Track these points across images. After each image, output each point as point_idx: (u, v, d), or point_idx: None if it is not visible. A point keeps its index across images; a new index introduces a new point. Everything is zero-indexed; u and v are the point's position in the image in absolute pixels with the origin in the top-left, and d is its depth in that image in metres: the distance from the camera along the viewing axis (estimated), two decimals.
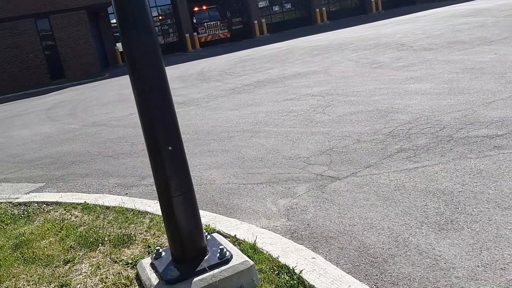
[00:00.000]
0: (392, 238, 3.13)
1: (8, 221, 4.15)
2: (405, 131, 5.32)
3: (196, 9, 30.21)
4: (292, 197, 4.15)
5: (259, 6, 31.46)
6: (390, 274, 2.74)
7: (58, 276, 2.97)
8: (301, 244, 3.21)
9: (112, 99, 13.27)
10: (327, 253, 3.09)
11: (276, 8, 33.29)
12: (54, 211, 4.25)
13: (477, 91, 6.47)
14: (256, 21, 30.33)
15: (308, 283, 2.51)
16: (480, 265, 2.68)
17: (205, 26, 30.02)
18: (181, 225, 2.52)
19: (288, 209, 3.92)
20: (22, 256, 3.35)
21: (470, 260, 2.74)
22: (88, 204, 4.27)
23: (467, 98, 6.20)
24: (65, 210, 4.24)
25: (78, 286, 2.81)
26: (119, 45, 28.73)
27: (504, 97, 5.92)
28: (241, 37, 30.65)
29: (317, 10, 32.26)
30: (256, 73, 13.04)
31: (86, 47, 23.56)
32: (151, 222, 3.67)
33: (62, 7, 22.64)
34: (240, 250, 2.96)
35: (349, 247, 3.12)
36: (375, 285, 2.66)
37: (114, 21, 30.25)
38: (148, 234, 3.45)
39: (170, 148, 2.41)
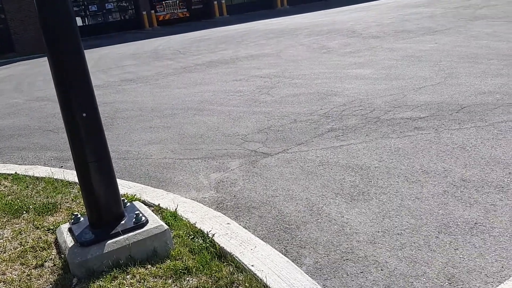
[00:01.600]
0: (307, 208, 3.34)
1: None
2: (339, 113, 5.56)
3: None
4: (224, 171, 4.29)
5: None
6: (300, 239, 2.95)
7: None
8: (224, 213, 3.38)
9: None
10: (247, 221, 3.26)
11: None
12: None
13: (411, 77, 6.81)
14: (216, 2, 30.03)
15: (219, 245, 2.67)
16: (380, 231, 2.93)
17: (164, 4, 29.44)
18: (96, 191, 2.61)
19: (218, 182, 4.06)
20: None
21: (372, 227, 2.98)
22: (18, 174, 4.26)
23: (401, 84, 6.53)
24: None
25: None
26: (77, 20, 27.80)
27: (433, 83, 6.27)
28: (201, 17, 30.29)
29: None
30: (210, 53, 13.03)
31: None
32: (78, 192, 3.72)
33: None
34: (162, 218, 3.09)
35: (268, 216, 3.31)
36: (284, 248, 2.86)
37: None
38: (74, 203, 3.51)
39: (84, 114, 2.48)
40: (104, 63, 13.92)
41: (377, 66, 7.95)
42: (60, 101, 2.49)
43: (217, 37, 17.36)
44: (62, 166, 4.86)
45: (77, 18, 28.76)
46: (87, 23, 29.47)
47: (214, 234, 2.78)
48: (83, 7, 29.19)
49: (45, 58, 18.50)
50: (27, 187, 3.97)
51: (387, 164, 3.89)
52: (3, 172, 4.37)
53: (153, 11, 28.61)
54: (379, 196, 3.37)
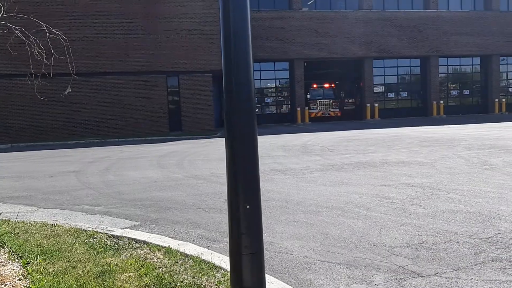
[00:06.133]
0: None
1: (100, 250, 4.56)
2: (505, 240, 4.90)
3: (314, 86, 31.48)
4: (368, 284, 4.00)
5: (375, 91, 31.75)
6: None
7: None
8: None
9: (217, 156, 14.05)
10: None
11: (391, 95, 33.29)
12: (141, 249, 4.58)
13: None
14: (368, 104, 30.52)
15: None
16: None
17: (317, 102, 30.94)
18: (245, 283, 2.60)
19: None
20: (103, 284, 3.64)
21: None
22: (171, 248, 4.53)
23: None
24: (150, 250, 4.55)
25: None
26: None
27: None
28: (351, 118, 30.95)
29: (434, 102, 31.57)
30: (358, 154, 12.99)
31: (206, 106, 25.53)
32: (222, 277, 3.79)
33: (192, 69, 25.06)
34: None
35: None
36: None
37: None
38: None
39: (248, 206, 2.56)
40: None
41: None
42: (229, 188, 2.62)
43: (367, 139, 17.35)
44: (208, 247, 5.06)
45: None
46: None
47: None
48: None
49: (206, 140, 20.49)
50: (177, 262, 4.18)
51: None
52: (158, 243, 4.71)
53: (306, 108, 30.17)
54: None
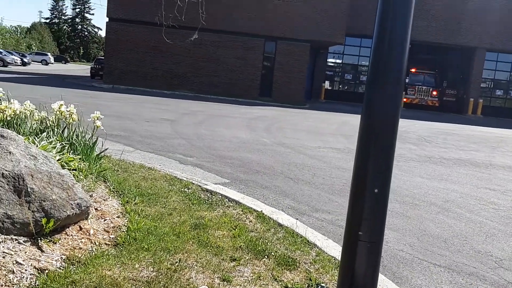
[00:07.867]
0: None
1: (194, 202, 4.55)
2: None
3: (413, 70, 29.66)
4: None
5: (481, 86, 29.31)
6: None
7: (223, 269, 3.08)
8: None
9: (305, 128, 13.77)
10: None
11: (499, 92, 30.61)
12: (233, 209, 4.50)
13: None
14: (472, 99, 28.29)
15: None
16: None
17: (416, 88, 29.23)
18: (357, 273, 2.36)
19: None
20: (198, 237, 3.59)
21: None
22: (263, 214, 4.40)
23: None
24: (242, 211, 4.45)
25: (238, 287, 2.87)
26: (327, 83, 29.99)
27: None
28: (449, 110, 28.95)
29: None
30: (458, 150, 12.06)
31: (298, 76, 25.11)
32: (317, 256, 3.58)
33: (290, 36, 24.60)
34: None
35: None
36: None
37: (330, 60, 31.58)
38: (312, 266, 3.36)
39: (376, 190, 2.29)
40: (347, 129, 14.29)
41: None
42: (357, 165, 2.36)
43: (468, 135, 16.10)
44: (297, 219, 4.88)
45: (328, 81, 30.97)
46: (337, 89, 31.44)
47: None
48: (339, 73, 31.36)
49: (295, 110, 20.21)
50: (269, 230, 4.04)
51: None
52: (251, 206, 4.60)
53: (403, 93, 28.63)
54: None
